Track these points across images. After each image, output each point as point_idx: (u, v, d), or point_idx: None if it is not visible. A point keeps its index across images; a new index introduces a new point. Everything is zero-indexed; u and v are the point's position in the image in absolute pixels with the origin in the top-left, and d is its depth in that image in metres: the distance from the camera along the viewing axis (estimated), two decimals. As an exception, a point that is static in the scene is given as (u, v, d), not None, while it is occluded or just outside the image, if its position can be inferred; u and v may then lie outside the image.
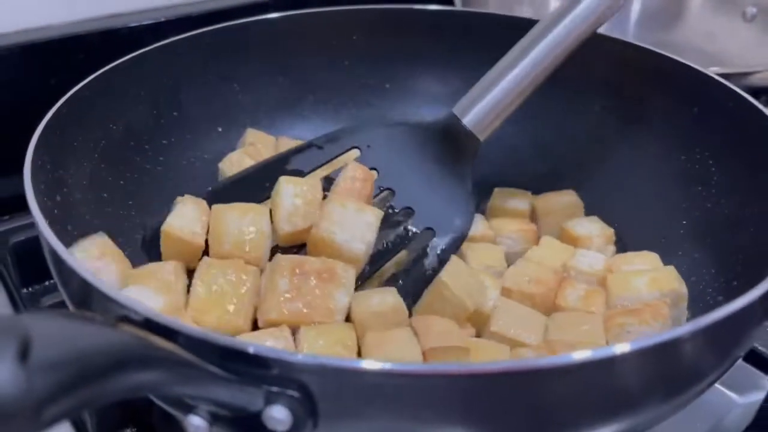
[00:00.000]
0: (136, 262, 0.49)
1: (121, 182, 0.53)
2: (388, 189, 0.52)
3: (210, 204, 0.48)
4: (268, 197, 0.49)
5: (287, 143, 0.62)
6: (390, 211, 0.51)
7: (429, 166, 0.53)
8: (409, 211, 0.51)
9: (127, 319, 0.28)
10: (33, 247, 0.41)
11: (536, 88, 0.51)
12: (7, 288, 0.57)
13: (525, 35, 0.52)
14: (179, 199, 0.48)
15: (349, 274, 0.43)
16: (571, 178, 0.60)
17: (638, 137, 0.58)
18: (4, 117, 0.64)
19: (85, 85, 0.50)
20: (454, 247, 0.50)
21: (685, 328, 0.32)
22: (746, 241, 0.47)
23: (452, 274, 0.45)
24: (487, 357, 0.43)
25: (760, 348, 0.52)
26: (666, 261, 0.51)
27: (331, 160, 0.53)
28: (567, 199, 0.57)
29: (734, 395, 0.51)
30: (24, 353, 0.19)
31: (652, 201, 0.56)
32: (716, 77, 0.52)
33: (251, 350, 0.28)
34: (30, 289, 0.58)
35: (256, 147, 0.57)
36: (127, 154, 0.54)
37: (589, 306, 0.48)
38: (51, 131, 0.45)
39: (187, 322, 0.37)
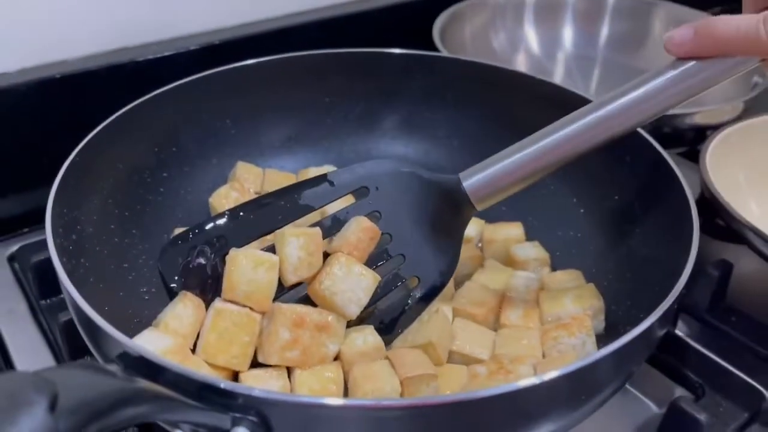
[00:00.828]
0: (140, 285, 0.58)
1: (126, 214, 0.61)
2: (387, 233, 0.55)
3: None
4: (280, 227, 0.54)
5: (274, 175, 0.71)
6: (385, 255, 0.55)
7: (427, 219, 0.55)
8: (400, 258, 0.55)
9: (126, 355, 0.38)
10: (51, 264, 0.48)
11: (551, 172, 0.51)
12: (28, 300, 0.66)
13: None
14: (182, 295, 0.53)
15: (341, 326, 0.51)
16: (521, 211, 0.68)
17: (579, 179, 0.66)
18: (24, 141, 0.73)
19: (96, 133, 0.58)
20: (433, 295, 0.56)
21: (593, 356, 0.41)
22: (656, 279, 0.55)
23: (439, 334, 0.52)
24: (451, 379, 0.52)
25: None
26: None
27: (341, 197, 0.56)
28: (513, 230, 0.66)
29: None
30: (53, 405, 0.27)
31: (590, 235, 0.65)
32: (641, 132, 0.60)
33: (222, 386, 0.37)
34: (48, 301, 0.66)
35: (241, 182, 0.65)
36: (132, 188, 0.63)
37: (528, 322, 0.57)
38: (66, 181, 0.53)
39: (194, 360, 0.47)
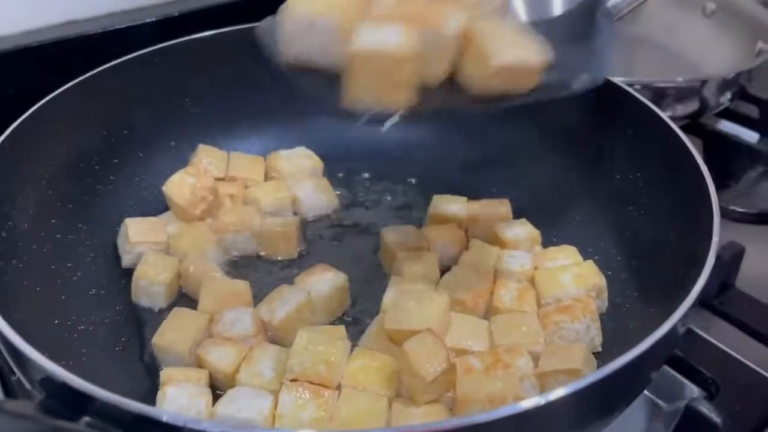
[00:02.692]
0: (89, 286, 0.52)
1: (71, 206, 0.55)
2: None
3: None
4: None
5: (240, 158, 0.64)
6: None
7: None
8: None
9: (48, 381, 0.31)
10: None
11: None
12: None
13: None
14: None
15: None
16: (511, 188, 0.62)
17: (577, 155, 0.60)
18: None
19: (30, 116, 0.51)
20: None
21: (606, 369, 0.35)
22: (664, 267, 0.49)
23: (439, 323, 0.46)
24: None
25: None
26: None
27: None
28: (499, 207, 0.59)
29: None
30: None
31: (589, 219, 0.59)
32: (649, 104, 0.54)
33: (165, 418, 0.30)
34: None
35: (198, 167, 0.58)
36: (77, 177, 0.56)
37: (523, 305, 0.51)
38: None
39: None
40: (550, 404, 0.33)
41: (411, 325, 0.46)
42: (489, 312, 0.52)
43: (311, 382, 0.43)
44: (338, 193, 0.64)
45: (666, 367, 0.56)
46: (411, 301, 0.47)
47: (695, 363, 0.55)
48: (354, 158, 0.68)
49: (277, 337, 0.49)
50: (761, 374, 0.53)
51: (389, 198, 0.65)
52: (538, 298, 0.52)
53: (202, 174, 0.56)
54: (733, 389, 0.53)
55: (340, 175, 0.67)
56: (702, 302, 0.59)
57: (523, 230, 0.57)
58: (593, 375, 0.34)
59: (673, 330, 0.37)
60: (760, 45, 0.79)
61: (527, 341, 0.48)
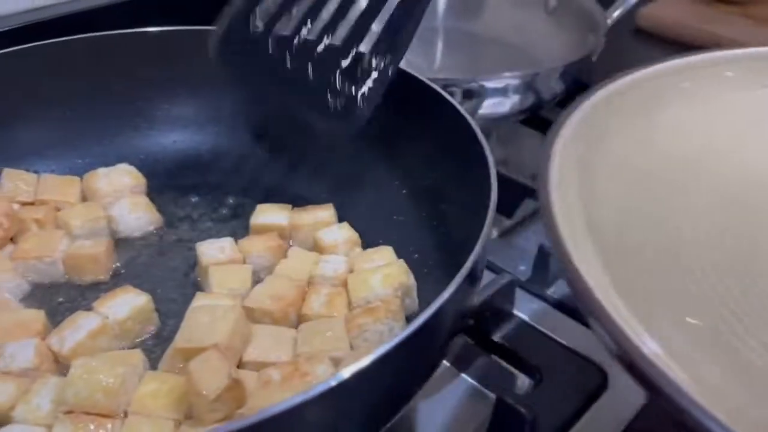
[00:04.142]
0: None
1: None
2: None
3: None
4: None
5: (53, 180, 0.61)
6: None
7: None
8: None
9: None
10: None
11: None
12: None
13: None
14: None
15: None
16: (338, 194, 0.61)
17: (398, 155, 0.60)
18: None
19: None
20: None
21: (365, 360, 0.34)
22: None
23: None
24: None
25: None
26: (416, 277, 0.53)
27: None
28: (321, 212, 0.59)
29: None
30: None
31: (410, 218, 0.58)
32: (448, 98, 0.54)
33: None
34: None
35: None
36: None
37: (332, 311, 0.50)
38: None
39: None
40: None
41: (201, 342, 0.44)
42: (300, 321, 0.51)
43: (88, 413, 0.41)
44: (162, 209, 0.62)
45: (496, 358, 0.56)
46: (204, 317, 0.46)
47: (519, 351, 0.55)
48: (182, 172, 0.66)
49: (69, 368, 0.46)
50: (581, 357, 0.54)
51: (218, 211, 0.63)
52: (350, 301, 0.51)
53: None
54: (554, 376, 0.53)
55: (166, 190, 0.64)
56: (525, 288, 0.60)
57: (342, 234, 0.57)
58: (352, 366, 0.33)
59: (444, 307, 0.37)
60: (590, 37, 0.81)
61: (330, 347, 0.46)
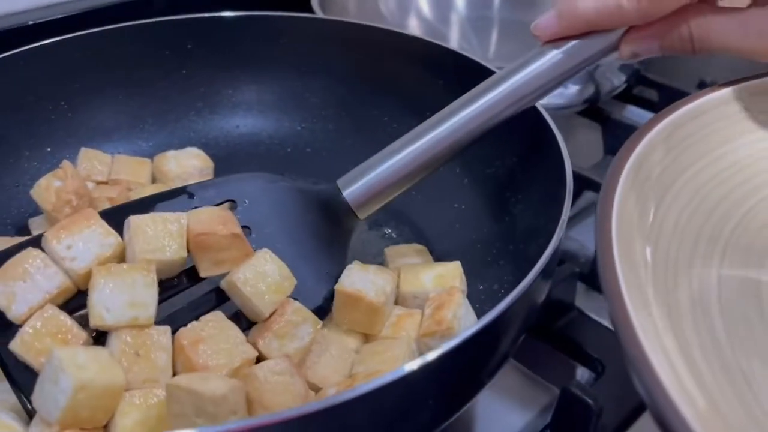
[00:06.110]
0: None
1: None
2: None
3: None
4: None
5: (125, 161, 0.62)
6: None
7: (306, 232, 0.49)
8: None
9: None
10: None
11: (437, 168, 0.47)
12: None
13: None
14: None
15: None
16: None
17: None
18: None
19: None
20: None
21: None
22: (535, 252, 0.49)
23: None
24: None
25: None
26: (478, 266, 0.54)
27: None
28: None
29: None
30: None
31: (469, 205, 0.59)
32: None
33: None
34: None
35: (65, 169, 0.56)
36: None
37: (398, 332, 0.47)
38: None
39: None
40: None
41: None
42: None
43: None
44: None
45: (556, 350, 0.57)
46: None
47: (582, 344, 0.56)
48: (244, 157, 0.67)
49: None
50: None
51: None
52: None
53: (69, 177, 0.54)
54: (615, 368, 0.53)
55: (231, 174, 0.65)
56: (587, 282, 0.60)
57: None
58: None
59: (519, 301, 0.37)
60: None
61: (386, 368, 0.43)
